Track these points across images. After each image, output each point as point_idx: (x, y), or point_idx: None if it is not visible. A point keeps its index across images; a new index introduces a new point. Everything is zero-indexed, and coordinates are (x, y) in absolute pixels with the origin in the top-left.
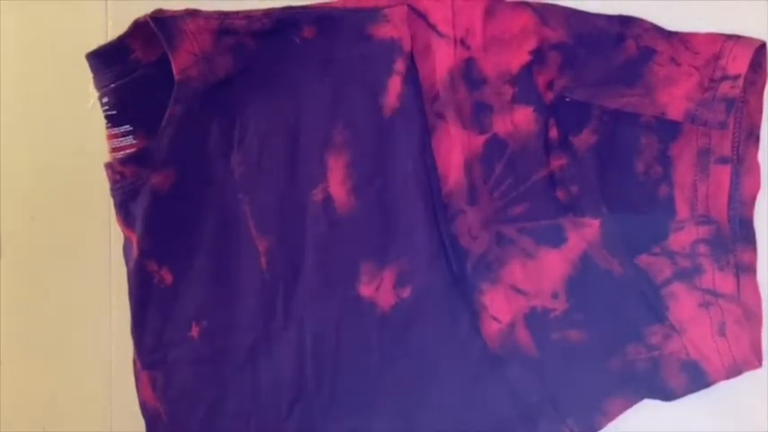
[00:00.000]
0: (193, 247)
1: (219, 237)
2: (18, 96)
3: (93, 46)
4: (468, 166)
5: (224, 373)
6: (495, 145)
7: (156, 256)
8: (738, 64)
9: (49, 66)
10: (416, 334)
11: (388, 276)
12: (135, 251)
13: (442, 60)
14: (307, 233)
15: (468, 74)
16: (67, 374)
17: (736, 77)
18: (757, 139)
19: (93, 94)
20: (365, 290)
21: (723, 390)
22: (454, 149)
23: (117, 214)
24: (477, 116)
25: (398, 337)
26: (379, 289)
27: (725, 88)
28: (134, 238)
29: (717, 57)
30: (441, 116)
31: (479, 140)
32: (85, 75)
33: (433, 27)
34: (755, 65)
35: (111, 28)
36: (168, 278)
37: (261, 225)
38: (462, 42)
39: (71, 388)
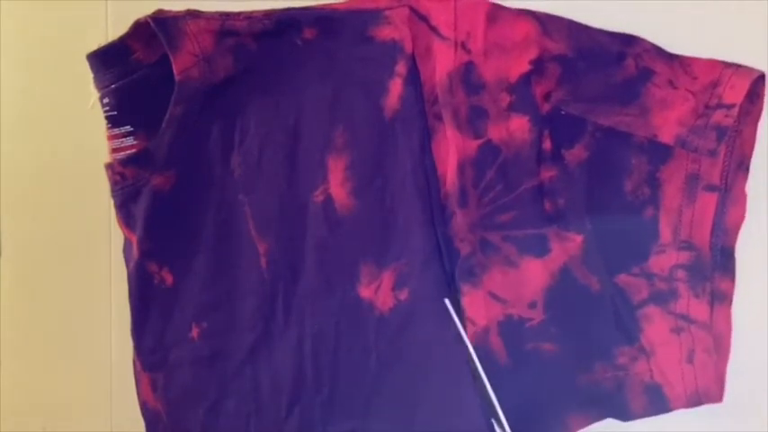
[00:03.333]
0: (194, 247)
1: (220, 238)
2: (18, 96)
3: (94, 46)
4: (461, 169)
5: (224, 373)
6: (489, 151)
7: (156, 257)
8: (735, 93)
9: (49, 66)
10: (411, 337)
11: (387, 278)
12: (135, 252)
13: (441, 63)
14: (307, 234)
15: (468, 78)
16: (67, 374)
17: (731, 107)
18: (747, 169)
19: (94, 93)
20: (365, 291)
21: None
22: (450, 151)
23: (117, 215)
24: (473, 120)
25: (394, 339)
26: (378, 291)
27: (718, 116)
28: (134, 239)
29: (714, 84)
30: (440, 118)
31: (473, 145)
32: (86, 75)
33: (434, 29)
34: (752, 95)
35: (111, 28)
36: (169, 279)
37: (261, 226)
38: (463, 46)
39: (71, 388)
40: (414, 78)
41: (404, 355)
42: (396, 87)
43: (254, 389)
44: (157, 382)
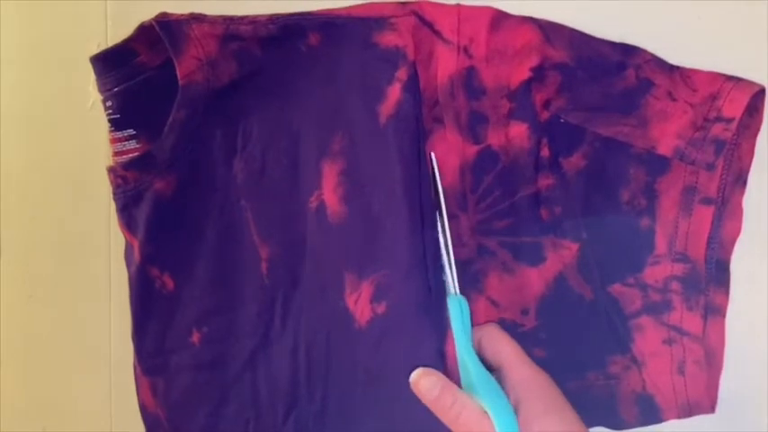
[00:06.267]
0: (195, 252)
1: (221, 242)
2: (18, 96)
3: (93, 46)
4: (462, 174)
5: (224, 378)
6: (488, 156)
7: (157, 262)
8: (734, 107)
9: (49, 66)
10: (387, 353)
11: (366, 289)
12: (137, 256)
13: (443, 66)
14: (306, 240)
15: (469, 82)
16: (67, 374)
17: (730, 120)
18: (744, 183)
19: (93, 93)
20: (349, 301)
21: (723, 389)
22: (450, 154)
23: (119, 219)
24: (474, 125)
25: (373, 353)
26: (357, 302)
27: (717, 130)
28: (136, 244)
29: (714, 97)
30: (439, 121)
31: (473, 150)
32: (86, 75)
33: (437, 33)
34: (752, 109)
35: (111, 28)
36: (170, 284)
37: (263, 231)
38: (465, 50)
39: (71, 388)
40: (413, 86)
41: (384, 369)
42: (394, 93)
43: (254, 394)
44: (158, 387)
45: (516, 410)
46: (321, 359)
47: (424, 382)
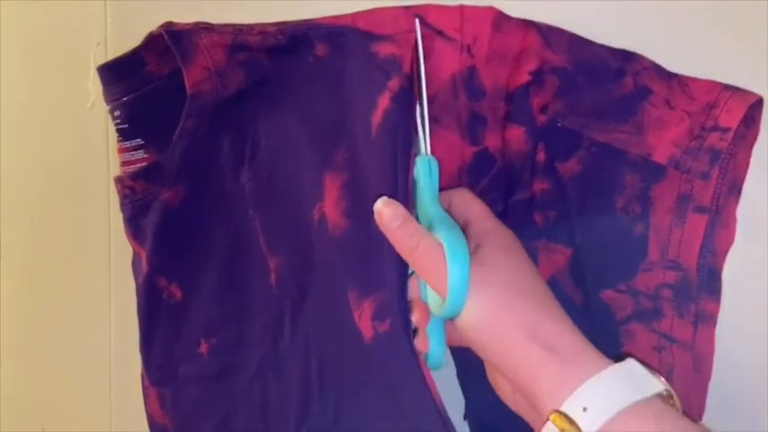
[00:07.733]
0: (203, 262)
1: (230, 253)
2: (18, 96)
3: (93, 46)
4: (459, 176)
5: (233, 389)
6: (485, 159)
7: (165, 272)
8: (731, 117)
9: (49, 66)
10: (390, 372)
11: (368, 307)
12: (144, 266)
13: (446, 64)
14: (314, 252)
15: (470, 82)
16: (67, 374)
17: (726, 130)
18: (739, 193)
19: (93, 93)
20: (356, 316)
21: (723, 388)
22: (447, 157)
23: (126, 229)
24: (473, 127)
25: (381, 370)
26: (361, 318)
27: (713, 139)
28: (143, 254)
29: (711, 106)
30: (436, 121)
31: (470, 151)
32: (86, 75)
33: (440, 33)
34: (749, 119)
35: (111, 28)
36: (178, 294)
37: (271, 242)
38: (468, 49)
39: (71, 388)
40: (403, 97)
41: (393, 385)
42: (383, 102)
43: (263, 405)
44: (165, 398)
45: (473, 254)
46: (334, 372)
47: (387, 211)
